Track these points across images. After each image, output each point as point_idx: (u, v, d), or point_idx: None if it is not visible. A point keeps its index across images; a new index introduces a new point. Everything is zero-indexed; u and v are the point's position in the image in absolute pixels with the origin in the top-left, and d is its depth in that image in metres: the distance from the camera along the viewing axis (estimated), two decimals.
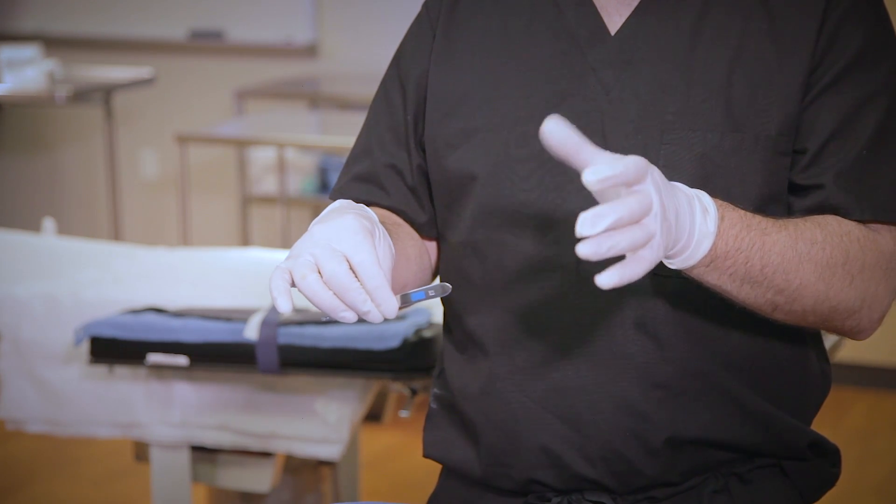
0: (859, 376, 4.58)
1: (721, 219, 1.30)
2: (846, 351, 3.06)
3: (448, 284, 1.33)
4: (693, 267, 1.31)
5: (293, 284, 1.27)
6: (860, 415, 4.43)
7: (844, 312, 1.43)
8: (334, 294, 1.26)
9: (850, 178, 1.43)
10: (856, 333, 1.47)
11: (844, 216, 1.43)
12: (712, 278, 1.34)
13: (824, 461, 1.57)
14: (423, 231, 1.61)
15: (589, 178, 1.14)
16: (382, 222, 1.40)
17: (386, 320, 2.34)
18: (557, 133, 1.16)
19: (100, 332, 2.40)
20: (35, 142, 6.15)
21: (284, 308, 1.25)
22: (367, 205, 1.46)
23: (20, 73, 4.89)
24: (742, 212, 1.34)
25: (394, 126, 1.59)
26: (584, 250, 1.14)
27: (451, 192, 1.55)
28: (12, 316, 2.63)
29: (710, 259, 1.30)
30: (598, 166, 1.14)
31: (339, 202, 1.39)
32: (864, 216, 1.44)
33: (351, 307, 1.26)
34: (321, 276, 1.26)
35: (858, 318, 1.44)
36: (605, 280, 1.15)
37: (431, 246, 1.62)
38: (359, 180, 1.60)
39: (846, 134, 1.44)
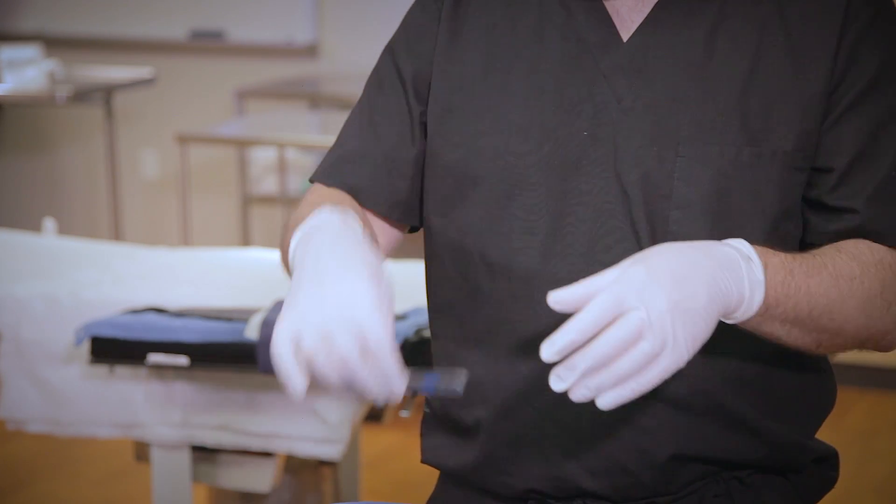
0: (860, 377, 4.58)
1: (765, 266, 1.30)
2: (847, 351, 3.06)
3: (463, 370, 1.28)
4: (750, 319, 1.30)
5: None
6: (861, 415, 4.43)
7: (879, 335, 1.43)
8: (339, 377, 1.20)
9: (883, 201, 1.42)
10: (885, 348, 1.48)
11: (876, 241, 1.42)
12: (767, 327, 1.33)
13: (824, 465, 1.56)
14: (391, 213, 1.54)
15: (545, 356, 1.18)
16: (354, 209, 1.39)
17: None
18: (560, 296, 1.20)
19: (100, 332, 2.40)
20: (35, 142, 6.15)
21: (300, 388, 1.18)
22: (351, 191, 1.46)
23: (20, 73, 4.89)
24: (781, 255, 1.33)
25: (388, 113, 1.53)
26: (572, 396, 1.19)
27: (451, 194, 1.50)
28: (12, 316, 2.63)
29: (766, 308, 1.30)
30: (551, 339, 1.18)
31: (328, 212, 1.35)
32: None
33: (357, 391, 1.21)
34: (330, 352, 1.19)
35: (893, 337, 1.45)
36: (603, 402, 1.19)
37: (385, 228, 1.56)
38: (343, 162, 1.53)
39: (873, 153, 1.43)
